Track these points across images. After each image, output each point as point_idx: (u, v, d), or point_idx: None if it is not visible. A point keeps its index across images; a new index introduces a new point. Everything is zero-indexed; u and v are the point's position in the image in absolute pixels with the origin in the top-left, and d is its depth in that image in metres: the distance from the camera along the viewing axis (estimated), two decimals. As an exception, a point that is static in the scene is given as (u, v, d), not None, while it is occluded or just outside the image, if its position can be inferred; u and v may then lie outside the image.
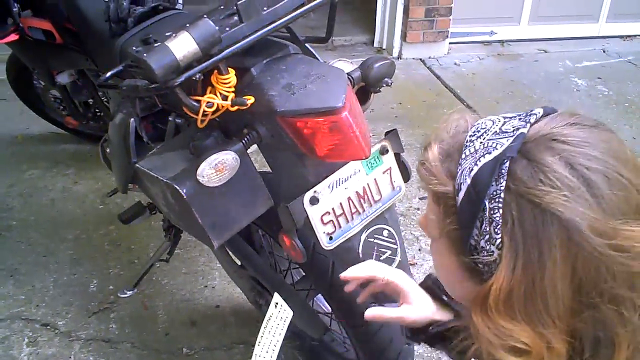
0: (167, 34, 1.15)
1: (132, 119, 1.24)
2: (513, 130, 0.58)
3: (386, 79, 1.22)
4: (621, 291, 0.54)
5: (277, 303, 1.24)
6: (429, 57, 4.13)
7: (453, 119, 0.66)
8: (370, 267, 0.97)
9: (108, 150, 1.78)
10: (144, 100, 1.30)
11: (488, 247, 0.57)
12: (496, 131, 0.60)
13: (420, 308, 0.91)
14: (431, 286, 0.94)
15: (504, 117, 0.62)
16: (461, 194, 0.58)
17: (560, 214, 0.52)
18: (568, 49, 4.36)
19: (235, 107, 1.05)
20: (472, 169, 0.58)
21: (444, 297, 0.93)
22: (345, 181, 1.15)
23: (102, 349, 1.81)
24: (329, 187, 1.13)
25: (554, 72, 3.98)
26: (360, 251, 1.21)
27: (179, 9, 1.56)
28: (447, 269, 0.68)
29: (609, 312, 0.55)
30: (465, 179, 0.58)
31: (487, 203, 0.56)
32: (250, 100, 1.04)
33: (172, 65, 0.94)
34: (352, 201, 1.17)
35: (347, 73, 1.15)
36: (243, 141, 1.09)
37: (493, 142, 0.58)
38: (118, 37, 1.44)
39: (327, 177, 1.13)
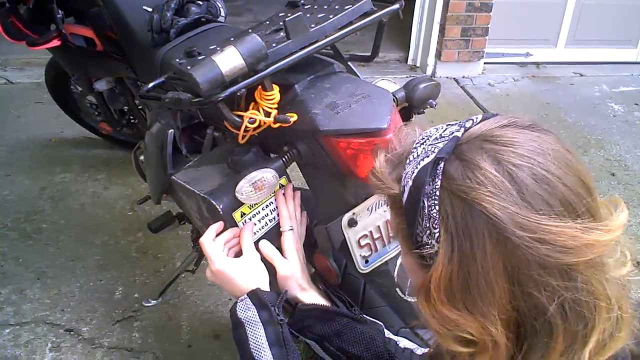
0: (211, 47, 1.14)
1: (171, 130, 1.23)
2: (449, 135, 0.62)
3: (430, 100, 1.19)
4: (554, 281, 0.55)
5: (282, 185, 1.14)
6: (463, 77, 4.09)
7: (405, 131, 0.71)
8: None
9: (141, 158, 1.78)
10: (183, 112, 1.29)
11: (430, 242, 0.61)
12: (437, 137, 0.63)
13: (290, 265, 1.04)
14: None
15: (447, 125, 0.66)
16: (405, 195, 0.63)
17: (484, 208, 0.55)
18: (605, 73, 4.28)
19: (278, 124, 1.03)
20: (413, 172, 0.62)
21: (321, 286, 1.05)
22: (384, 204, 1.12)
23: (125, 358, 1.80)
24: (368, 209, 1.11)
25: (589, 96, 3.91)
26: (395, 275, 1.18)
27: (222, 22, 1.56)
28: (408, 267, 0.71)
29: (544, 302, 0.56)
30: (408, 181, 0.62)
31: (425, 201, 0.60)
32: (293, 117, 1.02)
33: (217, 80, 0.92)
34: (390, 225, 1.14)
35: (392, 93, 1.13)
36: (283, 159, 1.08)
37: (432, 147, 0.62)
38: (160, 47, 1.44)
39: (366, 199, 1.11)
